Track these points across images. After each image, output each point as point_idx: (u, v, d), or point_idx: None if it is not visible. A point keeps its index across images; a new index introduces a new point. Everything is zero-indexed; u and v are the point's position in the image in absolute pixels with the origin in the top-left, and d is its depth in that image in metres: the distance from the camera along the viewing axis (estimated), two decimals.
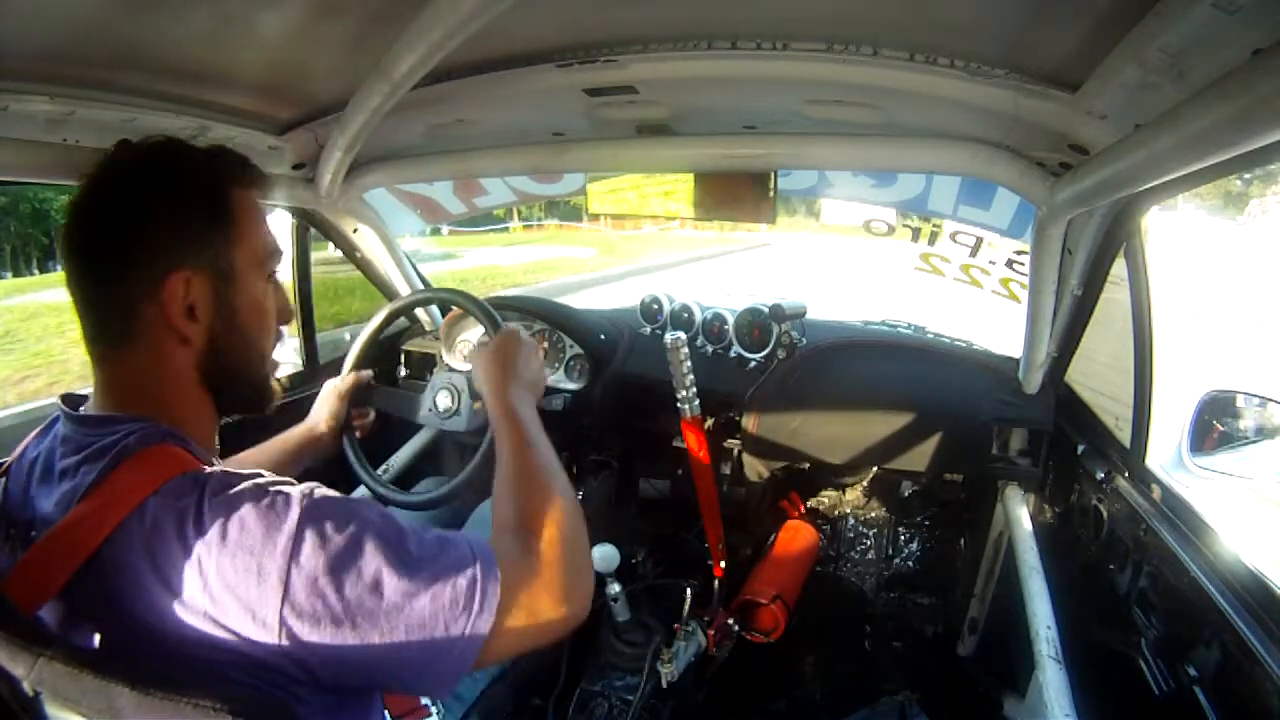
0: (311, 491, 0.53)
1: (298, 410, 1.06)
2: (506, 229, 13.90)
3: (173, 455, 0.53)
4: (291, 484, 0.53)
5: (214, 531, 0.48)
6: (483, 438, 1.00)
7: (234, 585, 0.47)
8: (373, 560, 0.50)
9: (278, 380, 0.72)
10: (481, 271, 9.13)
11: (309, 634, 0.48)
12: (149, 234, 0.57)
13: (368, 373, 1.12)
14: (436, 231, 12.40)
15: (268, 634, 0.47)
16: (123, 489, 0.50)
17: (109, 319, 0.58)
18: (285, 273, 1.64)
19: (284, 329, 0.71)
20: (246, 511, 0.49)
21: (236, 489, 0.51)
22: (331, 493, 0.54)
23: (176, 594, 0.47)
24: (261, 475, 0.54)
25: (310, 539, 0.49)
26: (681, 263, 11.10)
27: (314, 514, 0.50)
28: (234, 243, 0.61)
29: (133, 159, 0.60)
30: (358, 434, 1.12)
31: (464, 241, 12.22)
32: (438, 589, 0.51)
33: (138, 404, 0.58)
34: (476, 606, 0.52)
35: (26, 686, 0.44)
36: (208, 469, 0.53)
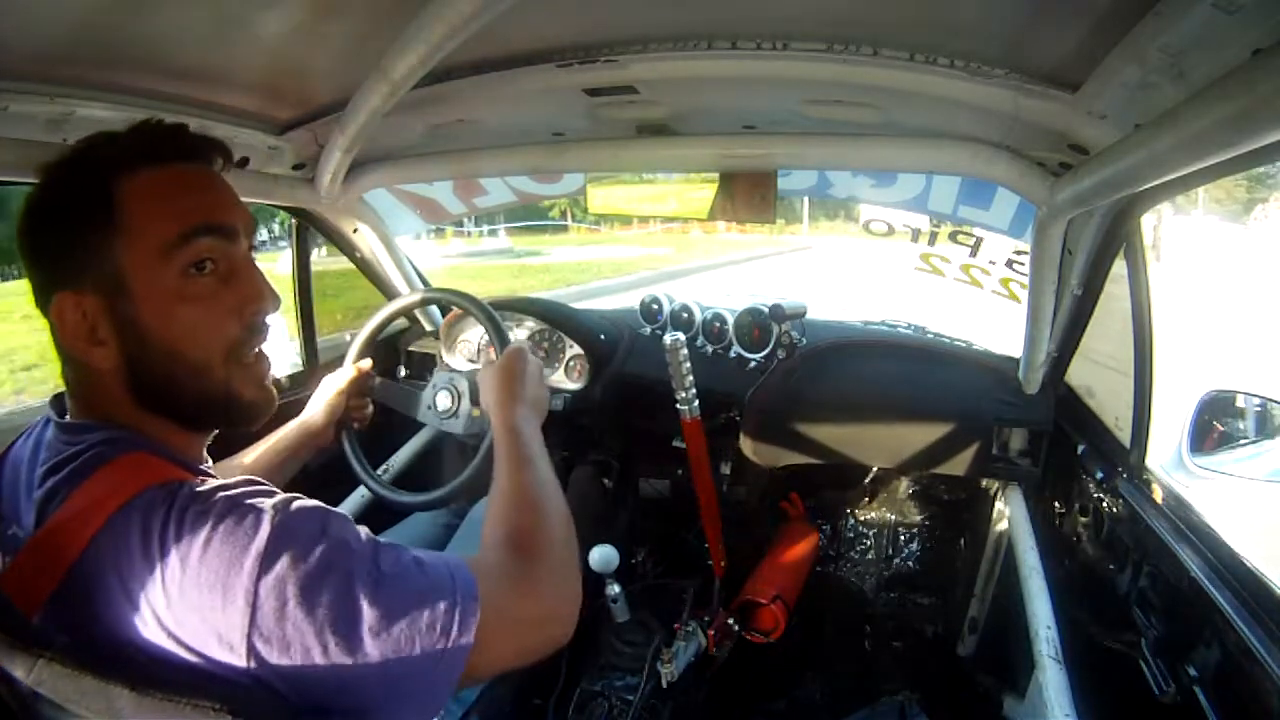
0: (286, 505, 0.49)
1: (297, 411, 1.06)
2: (565, 228, 14.83)
3: (145, 464, 0.51)
4: (266, 496, 0.50)
5: (180, 549, 0.45)
6: (480, 441, 1.00)
7: (199, 606, 0.45)
8: (347, 581, 0.48)
9: (274, 382, 0.63)
10: (601, 263, 10.88)
11: (278, 658, 0.45)
12: (33, 253, 0.54)
13: (367, 363, 1.10)
14: (494, 233, 13.65)
15: (235, 658, 0.45)
16: (94, 500, 0.48)
17: (107, 319, 0.54)
18: (282, 268, 1.65)
19: (264, 320, 0.59)
20: (214, 528, 0.46)
21: (208, 503, 0.48)
22: (309, 504, 0.51)
23: (141, 612, 0.45)
24: (237, 486, 0.50)
25: (281, 558, 0.46)
26: (746, 260, 12.36)
27: (286, 531, 0.47)
28: (123, 245, 0.52)
29: (52, 164, 0.54)
30: (356, 426, 1.11)
31: (542, 241, 13.74)
32: (415, 611, 0.49)
33: (100, 413, 0.55)
34: (456, 629, 0.50)
35: (25, 687, 0.44)
36: (183, 479, 0.50)
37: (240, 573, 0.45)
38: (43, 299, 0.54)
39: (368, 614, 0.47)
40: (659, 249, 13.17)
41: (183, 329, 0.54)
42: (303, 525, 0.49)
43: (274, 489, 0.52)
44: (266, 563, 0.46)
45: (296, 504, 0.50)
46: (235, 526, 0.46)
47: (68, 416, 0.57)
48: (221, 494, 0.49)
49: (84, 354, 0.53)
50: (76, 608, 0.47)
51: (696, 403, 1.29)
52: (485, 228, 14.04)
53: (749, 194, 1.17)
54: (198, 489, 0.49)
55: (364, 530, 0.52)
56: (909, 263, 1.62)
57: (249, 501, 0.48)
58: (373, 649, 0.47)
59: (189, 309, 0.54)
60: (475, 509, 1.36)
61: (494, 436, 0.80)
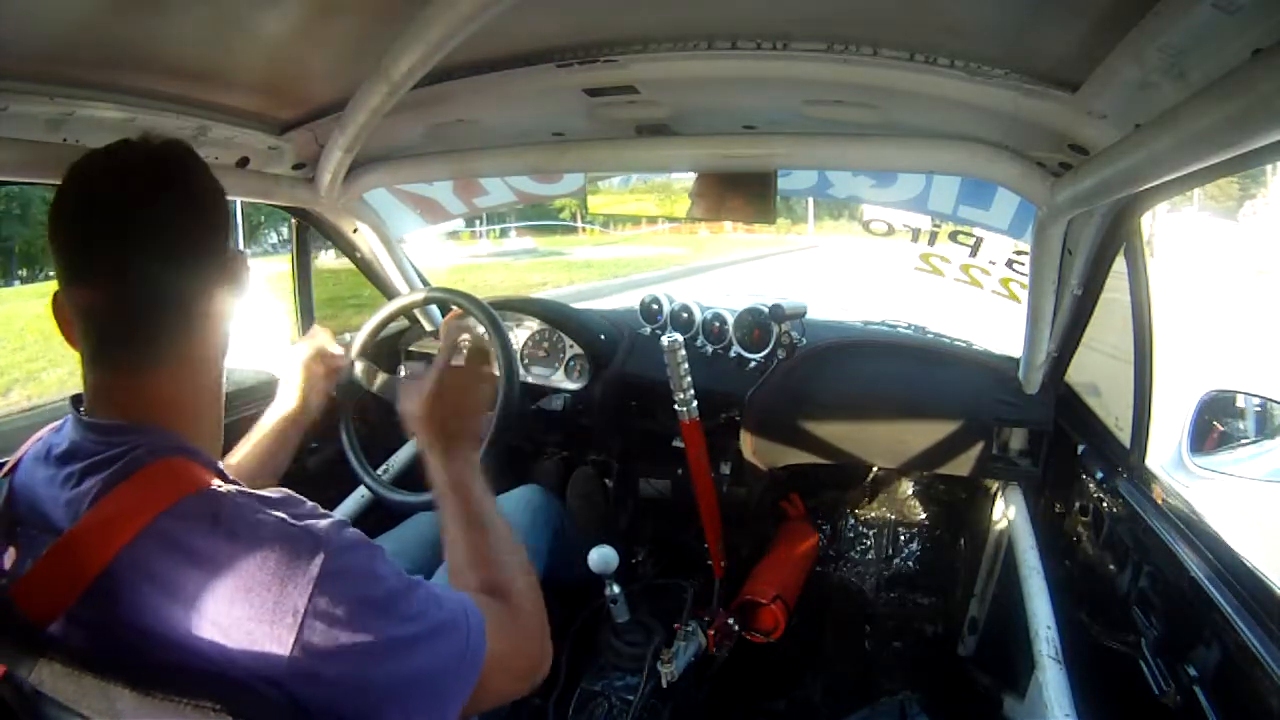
0: (340, 530, 0.52)
1: None
2: (574, 229, 15.33)
3: (185, 470, 0.52)
4: (318, 519, 0.53)
5: (233, 563, 0.47)
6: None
7: (245, 619, 0.47)
8: (387, 608, 0.51)
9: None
10: (635, 260, 11.93)
11: (312, 671, 0.47)
12: (200, 235, 0.58)
13: (319, 329, 1.05)
14: (505, 234, 14.18)
15: (270, 667, 0.47)
16: (131, 505, 0.49)
17: (152, 322, 0.56)
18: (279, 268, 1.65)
19: None
20: (270, 547, 0.48)
21: (259, 518, 0.50)
22: (356, 533, 0.54)
23: (182, 620, 0.46)
24: (286, 503, 0.53)
25: (335, 582, 0.49)
26: (759, 257, 13.25)
27: (341, 557, 0.50)
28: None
29: (150, 155, 0.57)
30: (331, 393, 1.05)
31: (559, 241, 14.48)
32: (438, 644, 0.53)
33: (153, 414, 0.55)
34: (468, 664, 0.54)
35: (28, 687, 0.44)
36: (222, 487, 0.52)
37: (294, 590, 0.48)
38: (197, 277, 0.58)
39: (400, 640, 0.51)
40: (672, 249, 13.91)
41: None
42: (355, 553, 0.52)
43: (319, 508, 0.55)
44: (322, 584, 0.48)
45: (348, 531, 0.53)
46: (293, 545, 0.49)
47: (90, 416, 0.56)
48: (271, 510, 0.51)
49: (223, 330, 0.61)
50: (103, 613, 0.47)
51: (695, 404, 1.28)
52: (498, 227, 14.49)
53: (749, 194, 1.17)
54: (246, 501, 0.51)
55: (396, 563, 0.55)
56: (911, 260, 1.62)
57: (303, 523, 0.51)
58: (398, 671, 0.50)
59: None
60: None
61: (436, 492, 0.73)
